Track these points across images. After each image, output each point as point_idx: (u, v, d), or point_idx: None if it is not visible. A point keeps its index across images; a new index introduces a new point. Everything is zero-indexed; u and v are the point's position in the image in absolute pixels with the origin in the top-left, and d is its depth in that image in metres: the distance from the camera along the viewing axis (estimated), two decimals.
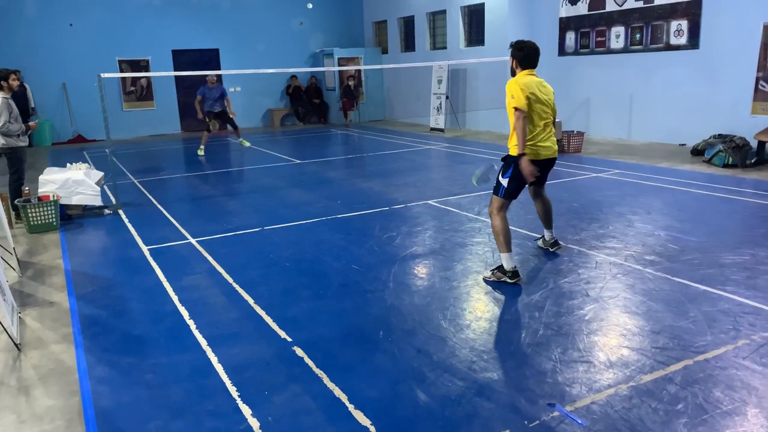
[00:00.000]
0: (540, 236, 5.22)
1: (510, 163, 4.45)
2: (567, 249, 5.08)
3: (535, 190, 4.95)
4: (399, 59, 16.25)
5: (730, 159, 8.22)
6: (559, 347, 3.31)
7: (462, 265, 4.80)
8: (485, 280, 4.43)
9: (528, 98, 4.35)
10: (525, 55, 4.57)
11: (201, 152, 11.66)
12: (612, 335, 3.47)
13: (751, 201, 6.49)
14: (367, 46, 17.78)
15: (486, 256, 4.97)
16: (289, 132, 15.70)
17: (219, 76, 12.97)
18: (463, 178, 8.78)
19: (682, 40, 9.86)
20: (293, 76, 16.80)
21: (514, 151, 4.44)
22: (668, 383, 2.90)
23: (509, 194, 4.49)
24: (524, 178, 4.40)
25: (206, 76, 11.18)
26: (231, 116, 11.53)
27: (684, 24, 9.76)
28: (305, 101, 17.17)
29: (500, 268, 4.41)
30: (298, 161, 10.63)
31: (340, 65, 16.25)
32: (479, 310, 3.93)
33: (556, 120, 5.08)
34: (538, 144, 4.47)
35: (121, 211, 6.98)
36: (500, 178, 4.52)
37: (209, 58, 15.77)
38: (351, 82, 16.53)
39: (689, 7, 9.63)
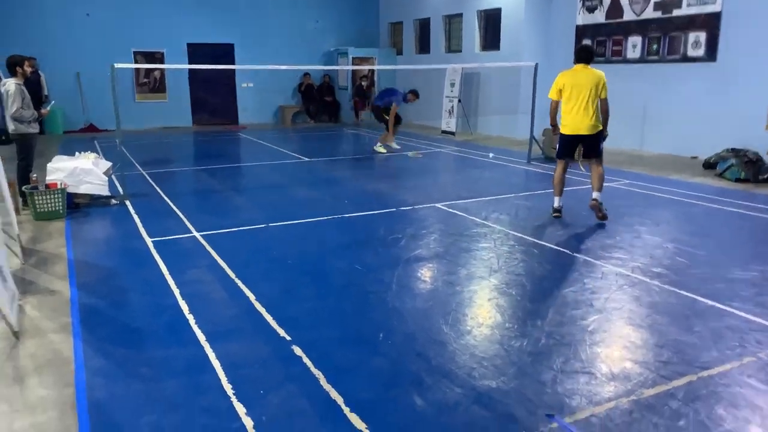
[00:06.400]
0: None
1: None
2: (573, 258, 5.02)
3: (587, 160, 6.47)
4: (413, 61, 16.21)
5: (743, 173, 8.12)
6: (561, 357, 3.26)
7: (466, 270, 4.76)
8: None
9: (559, 88, 6.15)
10: (575, 53, 6.39)
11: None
12: (615, 347, 3.42)
13: (762, 216, 6.40)
14: (382, 46, 17.75)
15: (491, 261, 4.91)
16: (299, 129, 15.70)
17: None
18: (471, 182, 8.73)
19: (700, 52, 9.75)
20: (306, 74, 16.80)
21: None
22: (670, 398, 2.84)
23: (558, 155, 6.41)
24: (565, 146, 6.26)
25: (414, 94, 11.03)
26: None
27: (702, 36, 9.65)
28: (317, 99, 17.17)
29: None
30: (307, 159, 10.61)
31: (354, 65, 16.23)
32: (481, 316, 3.88)
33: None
34: (571, 121, 6.12)
35: (127, 202, 6.98)
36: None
37: (224, 53, 15.80)
38: (364, 82, 16.51)
39: (708, 20, 9.52)
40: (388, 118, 11.06)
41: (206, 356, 3.26)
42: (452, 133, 13.85)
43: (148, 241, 5.48)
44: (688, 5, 9.82)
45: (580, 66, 6.15)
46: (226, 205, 7.22)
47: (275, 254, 5.15)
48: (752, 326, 3.65)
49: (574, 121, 6.11)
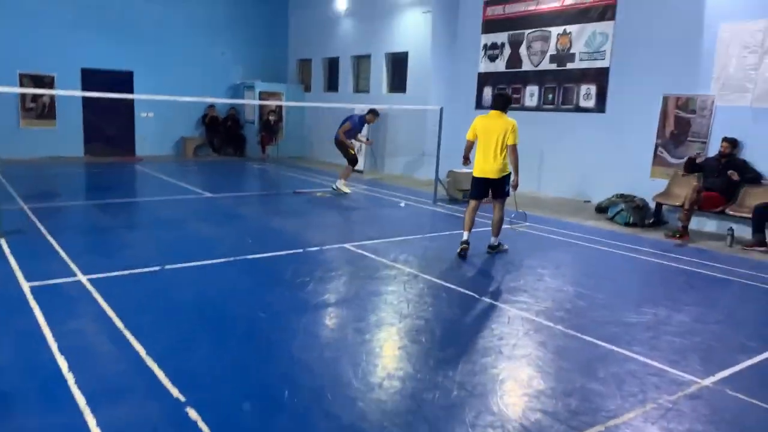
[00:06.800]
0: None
1: None
2: (480, 302, 5.05)
3: (491, 200, 6.66)
4: (321, 98, 16.21)
5: (632, 218, 8.68)
6: (473, 410, 3.18)
7: (376, 315, 4.63)
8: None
9: (474, 131, 6.55)
10: (492, 99, 6.95)
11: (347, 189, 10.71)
12: (525, 397, 3.39)
13: (650, 260, 6.81)
14: (290, 82, 17.66)
15: (401, 306, 4.82)
16: (202, 163, 15.12)
17: None
18: (379, 222, 8.71)
19: (591, 103, 10.46)
20: (211, 106, 16.31)
21: None
22: None
23: (470, 196, 6.74)
24: (475, 187, 6.60)
25: (374, 113, 10.50)
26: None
27: (592, 89, 10.37)
28: (222, 132, 16.69)
29: None
30: (209, 194, 10.16)
31: (261, 99, 15.97)
32: (392, 366, 3.75)
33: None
34: (479, 164, 6.51)
35: (2, 240, 6.27)
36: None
37: (122, 80, 15.00)
38: (272, 117, 16.27)
39: (598, 74, 10.26)
40: (349, 150, 10.65)
41: (86, 424, 2.88)
42: (360, 172, 13.88)
43: (25, 285, 4.90)
44: (580, 60, 10.55)
45: (495, 112, 6.46)
46: (117, 244, 6.68)
47: (170, 300, 4.77)
48: (650, 370, 3.78)
49: (482, 165, 6.46)
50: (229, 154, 16.73)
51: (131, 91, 14.89)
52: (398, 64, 13.98)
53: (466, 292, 5.28)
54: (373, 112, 10.65)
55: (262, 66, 17.36)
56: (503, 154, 6.34)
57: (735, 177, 7.71)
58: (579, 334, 4.36)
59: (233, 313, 4.54)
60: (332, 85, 16.31)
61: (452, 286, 5.43)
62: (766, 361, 4.03)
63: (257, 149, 16.44)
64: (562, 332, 4.40)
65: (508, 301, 5.08)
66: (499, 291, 5.41)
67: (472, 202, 6.62)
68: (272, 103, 15.91)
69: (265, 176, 13.65)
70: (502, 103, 6.51)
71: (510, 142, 6.30)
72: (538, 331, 4.41)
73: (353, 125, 10.59)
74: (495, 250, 6.67)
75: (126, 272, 5.38)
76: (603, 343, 4.20)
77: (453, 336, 4.28)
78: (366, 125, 11.05)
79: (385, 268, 5.96)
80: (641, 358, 3.96)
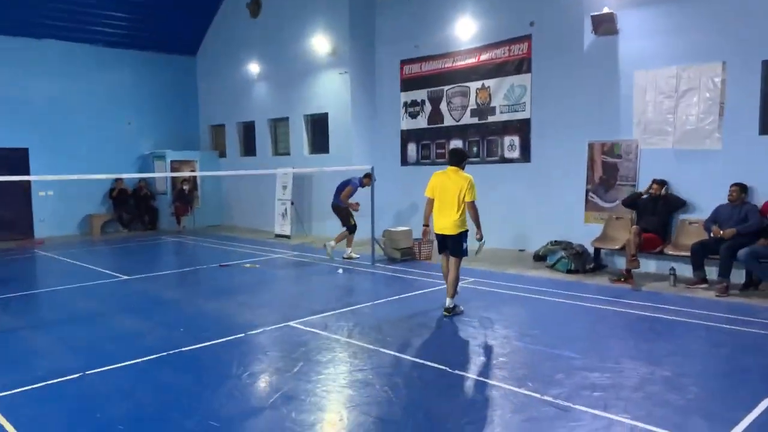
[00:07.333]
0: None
1: None
2: (454, 376, 4.60)
3: (447, 256, 6.50)
4: (238, 163, 15.61)
5: (573, 265, 8.64)
6: None
7: (345, 408, 4.05)
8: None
9: (432, 188, 6.44)
10: (448, 155, 6.90)
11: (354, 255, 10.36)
12: None
13: (607, 308, 6.67)
14: (203, 149, 16.92)
15: (372, 394, 4.27)
16: (112, 241, 13.89)
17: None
18: (321, 291, 8.14)
19: (515, 154, 10.59)
20: (118, 179, 15.21)
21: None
22: None
23: (438, 250, 6.69)
24: (438, 242, 6.53)
25: (369, 177, 10.07)
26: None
27: (516, 140, 10.52)
28: (132, 206, 15.57)
29: None
30: (125, 277, 9.16)
31: (173, 168, 15.13)
32: None
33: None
34: (436, 220, 6.41)
35: None
36: None
37: (16, 159, 13.67)
38: (185, 186, 15.41)
39: (520, 126, 10.44)
40: (350, 218, 10.35)
41: None
42: (287, 237, 13.28)
43: None
44: (501, 112, 10.72)
45: (451, 169, 6.40)
46: (22, 350, 5.64)
47: (98, 417, 3.94)
48: None
49: (439, 221, 6.39)
50: (140, 228, 15.59)
51: (27, 170, 13.62)
52: (319, 124, 13.71)
53: (436, 365, 4.81)
54: (368, 176, 10.24)
55: (173, 134, 16.56)
56: (460, 211, 6.27)
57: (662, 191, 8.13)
58: (570, 404, 4.00)
59: (177, 427, 3.80)
60: (249, 149, 15.77)
61: (420, 361, 4.95)
62: (765, 414, 3.84)
63: (171, 221, 15.44)
64: (552, 403, 4.02)
65: (482, 372, 4.67)
66: (469, 361, 4.99)
67: (441, 256, 6.63)
68: (184, 174, 15.09)
69: (184, 250, 12.70)
70: (458, 159, 6.46)
71: (468, 198, 6.21)
72: (526, 407, 4.00)
73: (354, 188, 10.28)
74: (451, 313, 6.32)
75: (38, 385, 4.47)
76: (599, 412, 3.85)
77: (438, 426, 3.78)
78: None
79: (340, 346, 5.40)
80: (646, 426, 3.64)
